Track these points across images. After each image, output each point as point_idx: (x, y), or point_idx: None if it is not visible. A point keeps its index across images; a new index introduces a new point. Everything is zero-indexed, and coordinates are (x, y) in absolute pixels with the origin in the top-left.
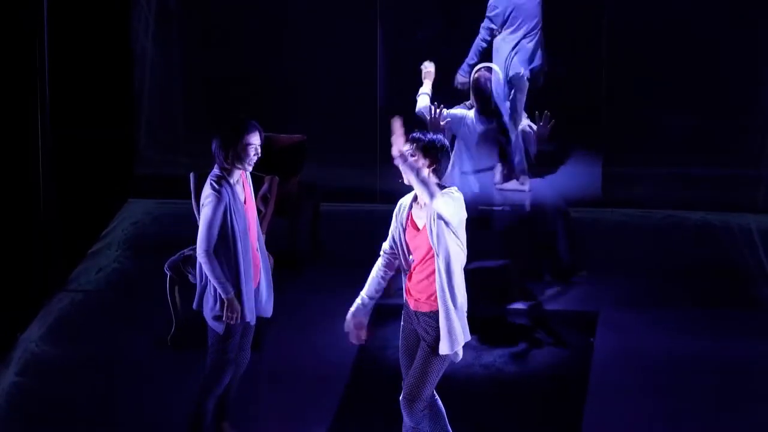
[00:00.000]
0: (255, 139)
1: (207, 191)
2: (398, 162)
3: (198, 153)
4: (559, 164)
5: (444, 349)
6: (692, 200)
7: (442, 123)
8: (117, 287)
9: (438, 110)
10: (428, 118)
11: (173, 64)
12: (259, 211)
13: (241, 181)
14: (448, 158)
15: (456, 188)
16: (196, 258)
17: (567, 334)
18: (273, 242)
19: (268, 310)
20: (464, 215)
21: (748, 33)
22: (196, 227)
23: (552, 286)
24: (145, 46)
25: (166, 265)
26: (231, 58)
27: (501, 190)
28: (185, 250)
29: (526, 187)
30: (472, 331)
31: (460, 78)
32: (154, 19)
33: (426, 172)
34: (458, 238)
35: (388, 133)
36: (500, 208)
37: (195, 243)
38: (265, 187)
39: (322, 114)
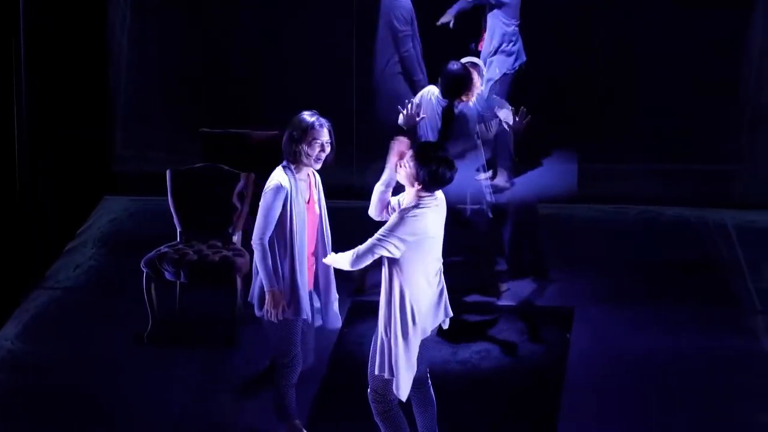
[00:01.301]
0: (322, 136)
1: (269, 181)
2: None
3: (174, 150)
4: (539, 161)
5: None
6: (667, 196)
7: (417, 119)
8: (94, 284)
9: (411, 105)
10: (403, 113)
11: (150, 60)
12: (235, 208)
13: (309, 180)
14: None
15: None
16: (172, 255)
17: (543, 330)
18: (249, 240)
19: (334, 322)
20: (419, 236)
21: (724, 30)
22: (173, 224)
23: (527, 283)
24: (122, 42)
25: (142, 262)
26: (207, 54)
27: (488, 187)
28: (162, 247)
29: (508, 184)
30: (449, 330)
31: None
32: (130, 15)
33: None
34: (402, 270)
35: (364, 131)
36: (476, 206)
37: (171, 240)
38: (241, 184)
39: (299, 111)
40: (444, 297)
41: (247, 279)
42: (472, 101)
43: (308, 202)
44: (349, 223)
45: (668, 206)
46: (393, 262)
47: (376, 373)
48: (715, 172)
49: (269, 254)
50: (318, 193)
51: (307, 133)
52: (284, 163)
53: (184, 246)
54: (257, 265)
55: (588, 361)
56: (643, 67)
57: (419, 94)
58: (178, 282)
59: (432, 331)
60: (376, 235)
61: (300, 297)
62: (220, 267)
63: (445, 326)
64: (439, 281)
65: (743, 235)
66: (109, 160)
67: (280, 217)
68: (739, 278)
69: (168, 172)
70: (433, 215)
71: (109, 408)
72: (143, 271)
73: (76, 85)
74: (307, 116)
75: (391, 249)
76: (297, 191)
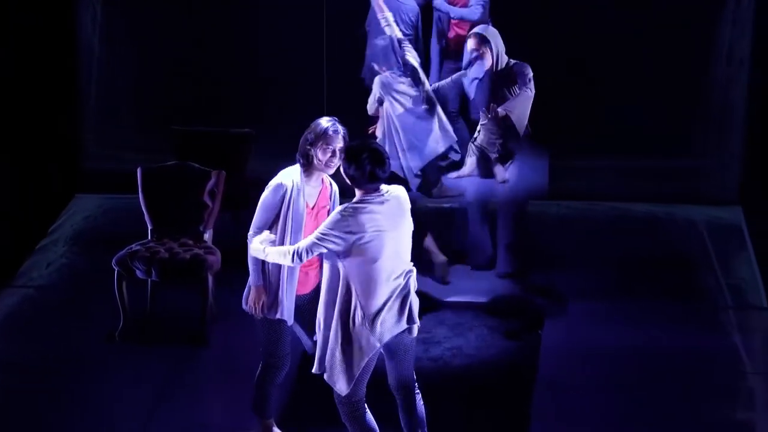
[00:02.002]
0: (335, 143)
1: (275, 178)
2: None
3: (145, 148)
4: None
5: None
6: (637, 192)
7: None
8: (66, 283)
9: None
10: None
11: (120, 58)
12: (206, 206)
13: (321, 187)
14: (368, 166)
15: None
16: (143, 253)
17: (514, 326)
18: (220, 238)
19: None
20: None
21: (693, 26)
22: (144, 222)
23: (499, 279)
24: (93, 39)
25: (113, 261)
26: (179, 51)
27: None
28: (133, 245)
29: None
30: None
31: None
32: (101, 12)
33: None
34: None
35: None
36: (448, 205)
37: (142, 238)
38: (212, 181)
39: (270, 109)
40: (409, 302)
41: (218, 276)
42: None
43: (312, 208)
44: None
45: (638, 203)
46: (340, 257)
47: (315, 371)
48: (685, 168)
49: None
50: (330, 203)
51: (320, 137)
52: (297, 163)
53: (156, 244)
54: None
55: (559, 358)
56: (613, 64)
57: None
58: (149, 280)
59: (407, 336)
60: (316, 233)
61: (281, 299)
62: (192, 265)
63: (412, 334)
64: (404, 285)
65: (713, 231)
66: (80, 158)
67: (276, 216)
68: (710, 274)
69: (139, 170)
70: (380, 210)
71: (81, 406)
72: (114, 270)
73: (46, 83)
74: (324, 121)
75: (331, 246)
76: (300, 194)
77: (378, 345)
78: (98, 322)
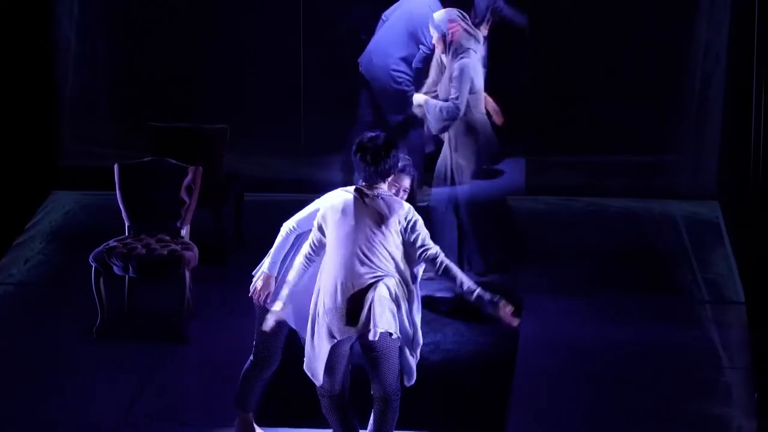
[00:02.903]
0: (402, 182)
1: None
2: None
3: (122, 144)
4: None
5: None
6: (615, 188)
7: None
8: (43, 279)
9: None
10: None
11: (97, 53)
12: (182, 202)
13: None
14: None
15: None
16: (120, 249)
17: (491, 321)
18: (197, 233)
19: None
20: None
21: (670, 22)
22: (121, 218)
23: (476, 275)
24: (70, 35)
25: (90, 257)
26: (156, 48)
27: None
28: (110, 241)
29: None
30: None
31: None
32: (78, 8)
33: None
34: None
35: (312, 123)
36: (425, 203)
37: (120, 235)
38: (188, 177)
39: (247, 104)
40: (369, 303)
41: (196, 272)
42: None
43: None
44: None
45: (615, 198)
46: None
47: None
48: (663, 163)
49: (288, 242)
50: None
51: (392, 174)
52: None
53: (133, 240)
54: None
55: (537, 352)
56: (590, 59)
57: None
58: (126, 276)
59: (376, 341)
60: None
61: (287, 299)
62: (169, 261)
63: (371, 337)
64: (367, 288)
65: (690, 225)
66: (56, 155)
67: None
68: (687, 269)
69: (116, 166)
70: (344, 196)
71: (58, 401)
72: (92, 266)
73: (23, 80)
74: (398, 160)
75: (291, 223)
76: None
77: (328, 339)
78: (76, 319)
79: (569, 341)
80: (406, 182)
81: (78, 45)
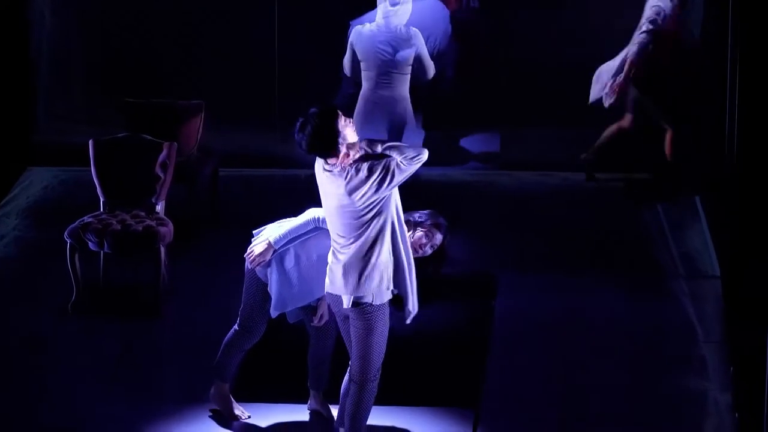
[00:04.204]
0: (433, 237)
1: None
2: None
3: (97, 120)
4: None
5: None
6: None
7: None
8: (19, 255)
9: None
10: None
11: (71, 29)
12: (157, 178)
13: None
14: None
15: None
16: (95, 225)
17: (466, 296)
18: (172, 209)
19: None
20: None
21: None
22: (96, 194)
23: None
24: (43, 10)
25: (65, 233)
26: (130, 23)
27: None
28: (85, 218)
29: None
30: None
31: None
32: None
33: None
34: None
35: (286, 98)
36: None
37: (95, 211)
38: (163, 153)
39: (221, 80)
40: (343, 270)
41: (171, 248)
42: None
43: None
44: (270, 193)
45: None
46: None
47: None
48: None
49: (306, 228)
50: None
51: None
52: None
53: (108, 216)
54: None
55: (512, 327)
56: (563, 39)
57: None
58: (101, 252)
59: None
60: None
61: (282, 283)
62: (144, 236)
63: (344, 305)
64: (344, 255)
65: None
66: (31, 131)
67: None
68: (662, 243)
69: (90, 142)
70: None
71: (34, 378)
72: (67, 242)
73: None
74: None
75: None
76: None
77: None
78: (51, 295)
79: (544, 317)
80: (438, 239)
81: (52, 21)
